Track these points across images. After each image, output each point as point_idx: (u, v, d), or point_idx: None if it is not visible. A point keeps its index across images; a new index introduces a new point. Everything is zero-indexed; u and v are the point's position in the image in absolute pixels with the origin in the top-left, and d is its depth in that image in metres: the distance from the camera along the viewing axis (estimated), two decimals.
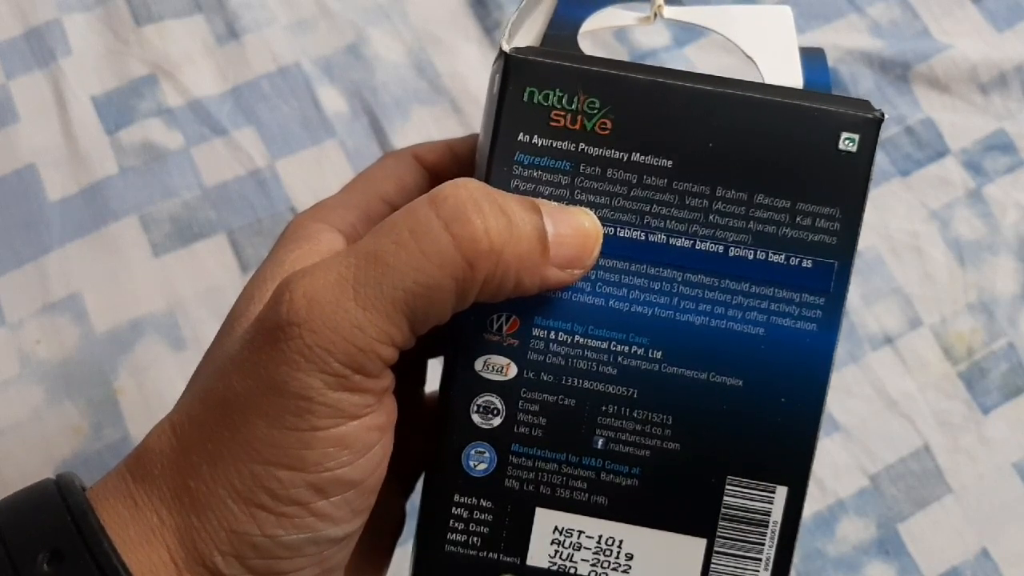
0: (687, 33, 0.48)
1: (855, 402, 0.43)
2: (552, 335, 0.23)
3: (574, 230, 0.22)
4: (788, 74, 0.25)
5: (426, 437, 0.27)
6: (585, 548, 0.24)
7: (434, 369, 0.30)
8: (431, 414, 0.27)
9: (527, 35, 0.25)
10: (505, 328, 0.23)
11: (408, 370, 0.29)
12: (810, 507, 0.41)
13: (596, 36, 0.48)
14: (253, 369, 0.21)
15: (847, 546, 0.41)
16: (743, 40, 0.26)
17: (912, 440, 0.42)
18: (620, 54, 0.47)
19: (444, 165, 0.28)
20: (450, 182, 0.21)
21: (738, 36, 0.26)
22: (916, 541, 0.41)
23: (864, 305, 0.44)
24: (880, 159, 0.46)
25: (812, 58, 0.26)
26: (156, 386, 0.41)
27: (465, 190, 0.21)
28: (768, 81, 0.25)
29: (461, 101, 0.46)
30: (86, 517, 0.21)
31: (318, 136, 0.45)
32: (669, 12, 0.27)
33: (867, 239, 0.45)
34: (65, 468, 0.40)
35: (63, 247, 0.43)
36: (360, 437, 0.21)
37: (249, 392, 0.21)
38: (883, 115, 0.23)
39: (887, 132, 0.46)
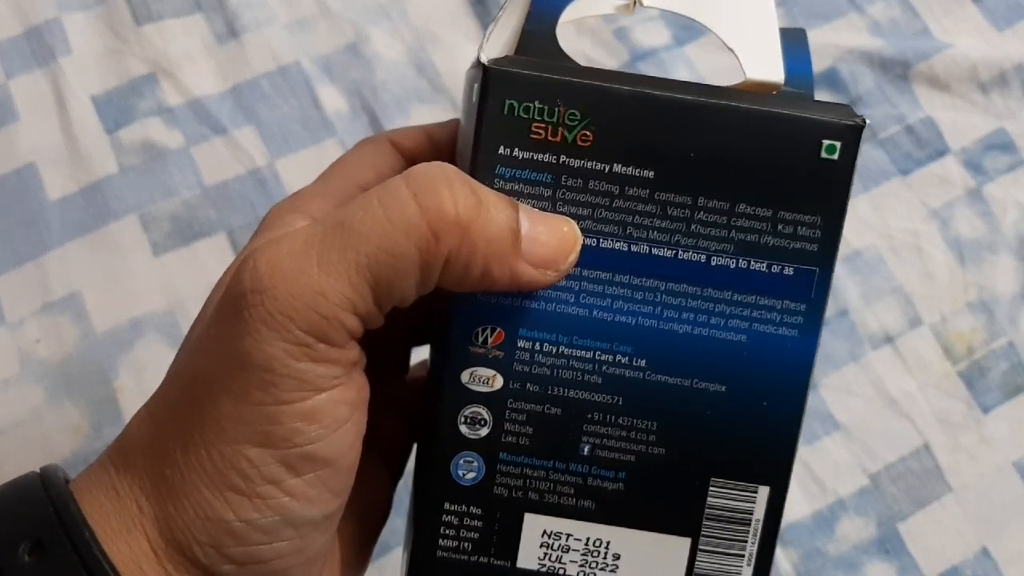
0: (687, 32, 0.48)
1: (855, 401, 0.43)
2: (537, 346, 0.23)
3: (551, 230, 0.22)
4: (769, 67, 0.25)
5: (412, 422, 0.27)
6: (573, 550, 0.24)
7: (417, 357, 0.31)
8: (414, 399, 0.27)
9: (503, 31, 0.24)
10: (490, 340, 0.23)
11: (392, 358, 0.29)
12: (810, 506, 0.41)
13: (596, 35, 0.47)
14: (218, 343, 0.21)
15: (847, 545, 0.41)
16: (723, 29, 0.25)
17: (912, 439, 0.42)
18: (620, 53, 0.47)
19: (421, 151, 0.28)
20: (426, 163, 0.21)
21: (718, 24, 0.25)
22: (916, 540, 0.41)
23: (864, 304, 0.44)
24: (880, 158, 0.46)
25: (793, 41, 0.25)
26: (156, 385, 0.41)
27: (439, 168, 0.21)
28: (749, 74, 0.25)
29: (461, 100, 0.46)
30: (68, 508, 0.21)
31: (318, 135, 0.45)
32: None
33: (867, 238, 0.45)
34: (65, 467, 0.40)
35: (63, 246, 0.43)
36: (329, 411, 0.21)
37: (215, 369, 0.21)
38: (864, 121, 0.23)
39: (887, 131, 0.46)
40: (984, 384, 0.43)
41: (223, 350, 0.21)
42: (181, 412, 0.21)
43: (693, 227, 0.23)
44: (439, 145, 0.28)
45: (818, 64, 0.47)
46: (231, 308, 0.21)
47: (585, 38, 0.48)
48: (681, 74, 0.47)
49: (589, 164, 0.23)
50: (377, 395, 0.23)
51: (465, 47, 0.47)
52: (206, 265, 0.43)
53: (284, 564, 0.22)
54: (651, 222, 0.23)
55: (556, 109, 0.22)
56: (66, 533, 0.20)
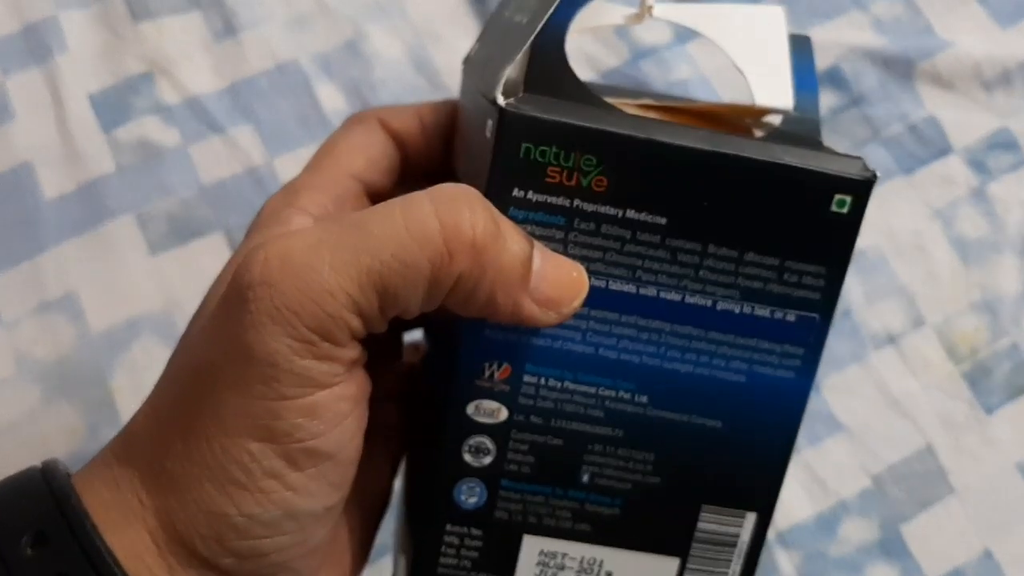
0: (689, 30, 0.48)
1: (858, 402, 0.42)
2: (542, 381, 0.24)
3: (560, 272, 0.22)
4: (779, 93, 0.25)
5: (407, 409, 0.28)
6: (568, 568, 0.25)
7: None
8: (409, 385, 0.28)
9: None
10: (497, 375, 0.24)
11: (386, 346, 0.29)
12: (812, 507, 0.41)
13: (596, 32, 0.47)
14: (221, 335, 0.21)
15: (849, 547, 0.41)
16: (733, 47, 0.26)
17: (915, 440, 0.42)
18: (620, 52, 0.47)
19: (411, 132, 0.28)
20: (452, 184, 0.22)
21: (728, 42, 0.26)
22: (919, 542, 0.41)
23: (867, 304, 0.44)
24: (883, 157, 0.46)
25: (800, 52, 0.26)
26: (153, 386, 0.41)
27: (464, 191, 0.21)
28: (759, 100, 0.25)
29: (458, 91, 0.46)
30: (69, 500, 0.21)
31: (316, 133, 0.45)
32: (659, 11, 0.26)
33: (870, 238, 0.45)
34: None
35: (59, 246, 0.43)
36: (330, 407, 0.21)
37: (217, 360, 0.21)
38: (875, 175, 0.23)
39: (890, 130, 0.46)
40: (987, 385, 0.43)
41: (227, 342, 0.21)
42: (183, 404, 0.21)
43: (701, 273, 0.23)
44: (429, 129, 0.28)
45: (821, 62, 0.47)
46: (237, 299, 0.21)
47: (586, 36, 0.47)
48: (683, 72, 0.47)
49: (603, 209, 0.23)
50: (373, 384, 0.23)
51: (464, 45, 0.47)
52: (203, 265, 0.43)
53: (285, 557, 0.22)
54: (661, 267, 0.23)
55: (572, 154, 0.22)
56: (68, 525, 0.21)
